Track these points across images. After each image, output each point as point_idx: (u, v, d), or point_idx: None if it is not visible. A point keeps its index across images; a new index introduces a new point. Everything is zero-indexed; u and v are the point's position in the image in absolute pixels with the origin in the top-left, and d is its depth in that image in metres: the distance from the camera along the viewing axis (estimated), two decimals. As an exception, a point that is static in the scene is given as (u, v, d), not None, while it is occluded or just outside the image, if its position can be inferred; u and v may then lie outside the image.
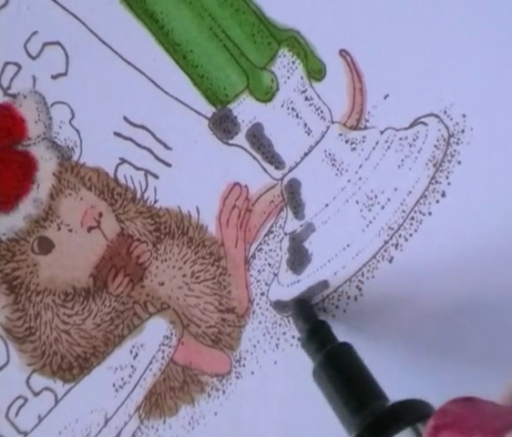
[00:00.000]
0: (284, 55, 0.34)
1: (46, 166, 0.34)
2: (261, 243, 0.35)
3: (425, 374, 0.35)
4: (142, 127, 0.34)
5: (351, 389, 0.32)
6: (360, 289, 0.35)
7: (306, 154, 0.35)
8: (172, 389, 0.35)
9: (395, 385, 0.34)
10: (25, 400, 0.34)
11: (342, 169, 0.35)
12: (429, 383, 0.34)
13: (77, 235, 0.34)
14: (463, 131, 0.35)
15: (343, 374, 0.32)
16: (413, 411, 0.29)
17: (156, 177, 0.35)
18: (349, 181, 0.35)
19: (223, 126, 0.35)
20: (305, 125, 0.35)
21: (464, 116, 0.35)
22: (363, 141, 0.35)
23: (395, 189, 0.35)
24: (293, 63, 0.34)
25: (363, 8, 0.34)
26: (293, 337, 0.35)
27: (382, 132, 0.35)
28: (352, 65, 0.34)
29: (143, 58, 0.34)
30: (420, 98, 0.34)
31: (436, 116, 0.35)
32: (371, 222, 0.35)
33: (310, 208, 0.35)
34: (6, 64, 0.34)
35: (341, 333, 0.35)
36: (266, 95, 0.35)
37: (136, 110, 0.34)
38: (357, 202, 0.35)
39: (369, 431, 0.29)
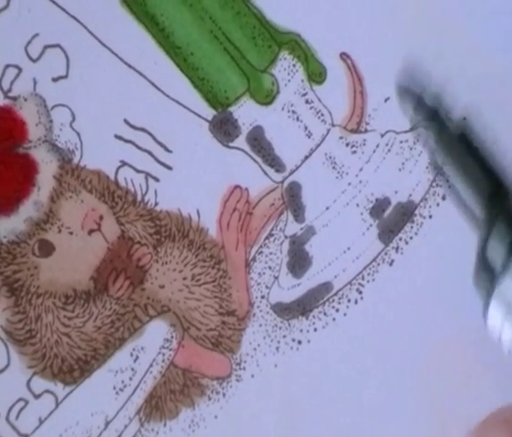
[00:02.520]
0: (285, 59, 0.34)
1: (47, 168, 0.34)
2: (261, 246, 0.35)
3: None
4: (143, 129, 0.34)
5: (486, 168, 0.29)
6: (360, 293, 0.35)
7: (307, 157, 0.35)
8: (172, 392, 0.35)
9: (396, 390, 0.34)
10: (26, 402, 0.34)
11: (342, 172, 0.35)
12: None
13: (78, 238, 0.34)
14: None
15: (476, 152, 0.30)
16: None
17: (156, 179, 0.35)
18: (349, 184, 0.35)
19: (224, 128, 0.35)
20: (306, 128, 0.35)
21: (464, 119, 0.35)
22: (364, 144, 0.35)
23: (396, 192, 0.35)
24: (294, 66, 0.34)
25: (364, 12, 0.34)
26: (293, 340, 0.35)
27: (382, 135, 0.35)
28: (352, 68, 0.34)
29: (144, 61, 0.34)
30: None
31: (437, 119, 0.35)
32: (371, 225, 0.35)
33: (310, 211, 0.35)
34: (7, 66, 0.34)
35: (341, 337, 0.35)
36: (267, 98, 0.35)
37: (136, 113, 0.34)
38: (357, 205, 0.35)
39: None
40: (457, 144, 0.30)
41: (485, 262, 0.26)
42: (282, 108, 0.35)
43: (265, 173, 0.35)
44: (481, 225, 0.28)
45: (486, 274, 0.26)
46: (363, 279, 0.35)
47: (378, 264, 0.35)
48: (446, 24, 0.34)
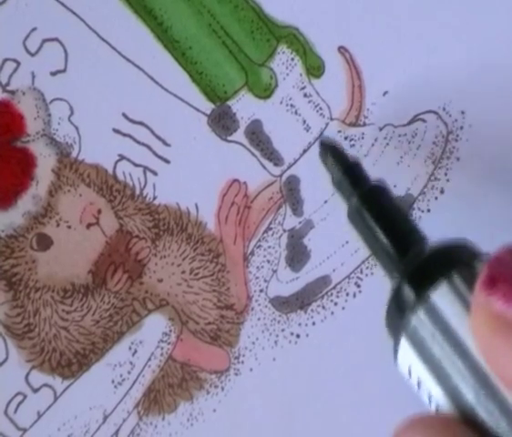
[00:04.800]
0: (283, 52, 0.34)
1: (45, 162, 0.34)
2: (259, 240, 0.35)
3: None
4: (141, 123, 0.34)
5: (391, 232, 0.30)
6: (359, 286, 0.35)
7: (305, 150, 0.35)
8: (171, 385, 0.35)
9: (395, 383, 0.34)
10: (25, 396, 0.34)
11: (340, 166, 0.35)
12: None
13: (76, 232, 0.34)
14: (461, 128, 0.35)
15: (381, 216, 0.30)
16: (460, 254, 0.27)
17: (155, 173, 0.35)
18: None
19: (222, 122, 0.35)
20: (304, 121, 0.35)
21: (463, 112, 0.35)
22: (362, 138, 0.35)
23: (394, 186, 0.35)
24: (292, 60, 0.34)
25: (362, 5, 0.34)
26: (292, 334, 0.35)
27: (381, 129, 0.35)
28: (351, 61, 0.34)
29: (142, 55, 0.34)
30: (419, 95, 0.34)
31: (435, 112, 0.35)
32: (370, 219, 0.35)
33: (309, 205, 0.35)
34: (5, 60, 0.34)
35: (339, 331, 0.35)
36: (265, 91, 0.35)
37: (135, 107, 0.34)
38: (356, 199, 0.35)
39: (413, 278, 0.27)
40: (371, 199, 0.31)
41: (398, 303, 0.27)
42: (281, 102, 0.35)
43: (263, 167, 0.35)
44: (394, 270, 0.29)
45: (398, 314, 0.27)
46: (361, 272, 0.35)
47: (376, 258, 0.35)
48: (445, 17, 0.34)
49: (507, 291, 0.22)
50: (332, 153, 0.33)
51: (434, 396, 0.26)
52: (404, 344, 0.26)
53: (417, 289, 0.26)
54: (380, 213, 0.31)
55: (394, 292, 0.28)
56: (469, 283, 0.25)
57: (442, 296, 0.26)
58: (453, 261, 0.26)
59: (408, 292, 0.27)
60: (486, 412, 0.24)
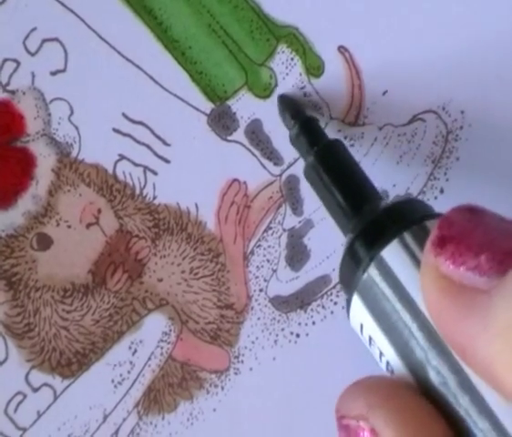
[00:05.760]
0: (283, 52, 0.34)
1: (45, 162, 0.34)
2: (259, 239, 0.35)
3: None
4: (141, 123, 0.34)
5: (345, 188, 0.30)
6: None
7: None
8: (171, 385, 0.35)
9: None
10: (25, 396, 0.34)
11: (340, 165, 0.35)
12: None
13: (76, 231, 0.34)
14: (461, 127, 0.35)
15: (336, 173, 0.30)
16: (413, 212, 0.27)
17: (155, 173, 0.35)
18: (347, 177, 0.35)
19: (222, 122, 0.35)
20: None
21: (462, 112, 0.35)
22: (362, 137, 0.35)
23: (394, 186, 0.35)
24: (292, 59, 0.34)
25: (362, 5, 0.34)
26: (292, 333, 0.35)
27: (380, 128, 0.35)
28: (350, 61, 0.34)
29: (142, 55, 0.34)
30: (418, 95, 0.34)
31: (435, 112, 0.35)
32: (369, 218, 0.35)
33: (308, 205, 0.35)
34: (5, 60, 0.34)
35: (339, 330, 0.35)
36: (265, 91, 0.35)
37: (135, 107, 0.34)
38: (356, 198, 0.35)
39: (365, 236, 0.27)
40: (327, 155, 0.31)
41: (350, 259, 0.27)
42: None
43: (263, 166, 0.35)
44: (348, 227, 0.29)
45: (350, 271, 0.27)
46: (361, 272, 0.35)
47: (376, 257, 0.35)
48: (445, 17, 0.34)
49: (455, 252, 0.22)
50: (289, 109, 0.33)
51: (384, 353, 0.26)
52: (356, 301, 0.26)
53: (369, 246, 0.26)
54: (336, 170, 0.31)
55: (346, 249, 0.28)
56: (421, 242, 0.25)
57: (393, 254, 0.26)
58: (405, 220, 0.26)
59: (360, 249, 0.27)
60: (434, 370, 0.24)
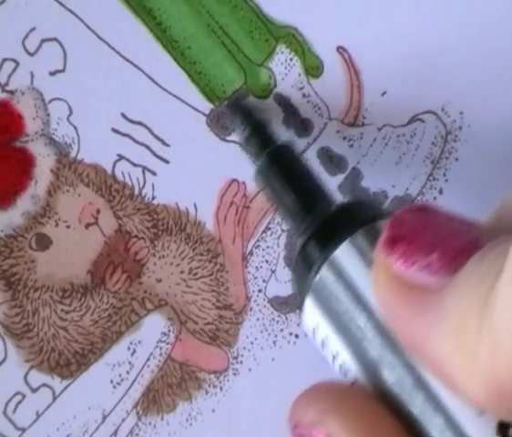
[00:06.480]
0: (282, 52, 0.34)
1: (44, 162, 0.34)
2: (258, 240, 0.35)
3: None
4: (140, 123, 0.34)
5: (298, 190, 0.30)
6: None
7: (303, 151, 0.35)
8: (170, 385, 0.35)
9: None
10: (23, 396, 0.34)
11: (339, 166, 0.35)
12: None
13: (75, 231, 0.34)
14: (460, 128, 0.35)
15: (288, 175, 0.30)
16: (365, 212, 0.27)
17: (154, 173, 0.35)
18: (346, 178, 0.35)
19: (221, 122, 0.35)
20: (302, 122, 0.35)
21: (461, 113, 0.35)
22: (361, 138, 0.35)
23: (393, 186, 0.35)
24: (291, 60, 0.34)
25: (362, 5, 0.34)
26: (291, 334, 0.35)
27: (379, 129, 0.35)
28: (349, 62, 0.34)
29: (141, 55, 0.34)
30: (417, 95, 0.34)
31: (434, 113, 0.35)
32: (368, 219, 0.35)
33: (307, 205, 0.35)
34: (4, 60, 0.34)
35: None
36: (263, 91, 0.35)
37: (134, 107, 0.34)
38: (355, 199, 0.35)
39: (317, 236, 0.27)
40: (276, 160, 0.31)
41: (303, 260, 0.27)
42: (279, 102, 0.35)
43: (262, 167, 0.35)
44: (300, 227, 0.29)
45: (303, 272, 0.27)
46: (360, 272, 0.35)
47: (375, 258, 0.35)
48: (444, 17, 0.34)
49: (407, 252, 0.22)
50: (239, 113, 0.33)
51: (338, 356, 0.26)
52: (310, 303, 0.26)
53: (321, 247, 0.26)
54: (288, 171, 0.31)
55: (299, 250, 0.28)
56: (373, 242, 0.25)
57: (345, 254, 0.25)
58: (357, 219, 0.26)
59: (312, 250, 0.27)
60: (388, 370, 0.24)
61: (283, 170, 0.31)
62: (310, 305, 0.26)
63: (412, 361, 0.23)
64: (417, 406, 0.23)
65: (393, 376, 0.24)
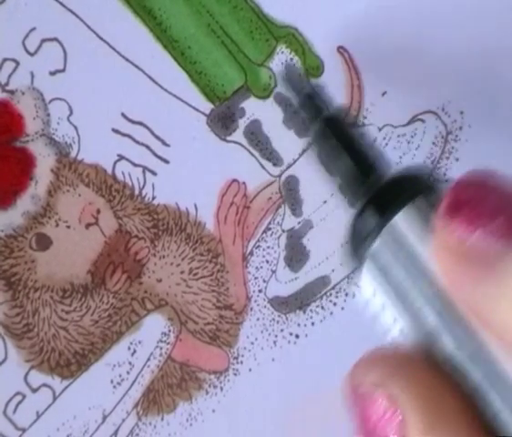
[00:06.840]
0: (282, 52, 0.34)
1: (44, 162, 0.34)
2: (258, 240, 0.35)
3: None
4: (140, 123, 0.34)
5: (355, 155, 0.29)
6: (358, 286, 0.35)
7: (304, 151, 0.35)
8: (170, 386, 0.35)
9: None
10: (24, 396, 0.34)
11: (340, 166, 0.35)
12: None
13: (75, 231, 0.34)
14: (461, 128, 0.35)
15: (345, 140, 0.30)
16: (423, 181, 0.26)
17: (154, 173, 0.35)
18: (347, 178, 0.35)
19: (221, 122, 0.35)
20: (303, 122, 0.35)
21: (461, 113, 0.35)
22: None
23: (393, 186, 0.35)
24: (291, 60, 0.34)
25: (362, 5, 0.34)
26: (291, 334, 0.35)
27: (380, 129, 0.35)
28: (349, 62, 0.34)
29: (141, 55, 0.34)
30: (418, 95, 0.34)
31: (434, 113, 0.35)
32: (369, 219, 0.35)
33: (308, 205, 0.35)
34: (5, 60, 0.34)
35: (338, 331, 0.35)
36: (264, 91, 0.35)
37: (134, 107, 0.34)
38: (355, 199, 0.35)
39: (376, 202, 0.26)
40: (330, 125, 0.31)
41: (361, 226, 0.27)
42: (280, 102, 0.35)
43: (262, 167, 0.35)
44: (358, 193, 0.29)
45: (361, 238, 0.26)
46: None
47: (375, 258, 0.35)
48: (444, 17, 0.34)
49: (471, 216, 0.21)
50: (298, 74, 0.33)
51: (397, 322, 0.25)
52: (367, 269, 0.26)
53: (380, 212, 0.26)
54: (345, 137, 0.30)
55: (356, 215, 0.27)
56: (432, 209, 0.24)
57: (405, 220, 0.25)
58: (418, 185, 0.26)
59: (370, 216, 0.26)
60: (448, 338, 0.23)
61: (341, 136, 0.30)
62: (368, 271, 0.26)
63: (473, 329, 0.23)
64: (478, 374, 0.23)
65: (453, 343, 0.23)
